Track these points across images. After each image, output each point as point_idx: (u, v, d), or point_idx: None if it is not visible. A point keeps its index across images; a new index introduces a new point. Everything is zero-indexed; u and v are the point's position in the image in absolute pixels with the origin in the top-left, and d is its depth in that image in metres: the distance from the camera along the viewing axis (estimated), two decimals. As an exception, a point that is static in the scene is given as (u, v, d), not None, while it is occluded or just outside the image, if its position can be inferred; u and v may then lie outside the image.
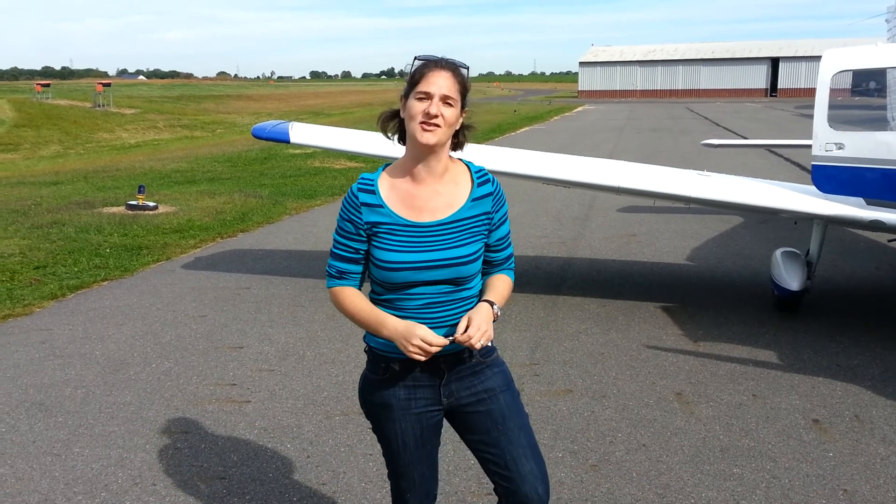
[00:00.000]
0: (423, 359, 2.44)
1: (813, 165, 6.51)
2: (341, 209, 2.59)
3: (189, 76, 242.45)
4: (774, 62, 74.18)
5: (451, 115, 2.48)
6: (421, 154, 2.52)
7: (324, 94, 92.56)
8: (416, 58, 2.55)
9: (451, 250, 2.52)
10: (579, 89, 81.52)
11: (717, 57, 76.55)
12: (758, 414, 4.97)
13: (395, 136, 2.62)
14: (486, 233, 2.62)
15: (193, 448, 4.61)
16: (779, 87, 73.68)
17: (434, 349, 2.43)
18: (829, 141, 6.32)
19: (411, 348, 2.42)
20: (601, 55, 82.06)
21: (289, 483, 4.21)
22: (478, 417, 2.64)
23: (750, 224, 11.13)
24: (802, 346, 6.20)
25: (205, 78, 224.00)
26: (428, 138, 2.45)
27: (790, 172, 16.78)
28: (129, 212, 12.52)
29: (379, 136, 7.50)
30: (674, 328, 6.62)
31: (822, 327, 6.62)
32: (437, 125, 2.44)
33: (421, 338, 2.42)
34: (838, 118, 6.45)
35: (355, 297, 2.57)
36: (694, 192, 6.56)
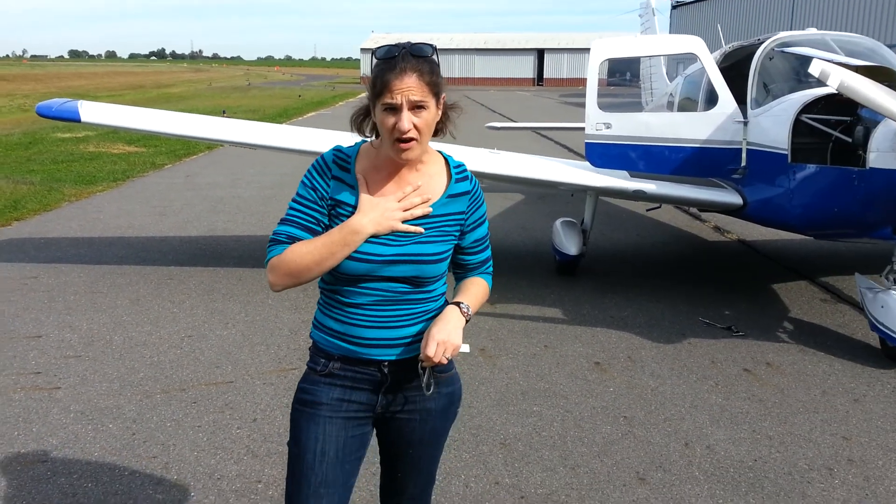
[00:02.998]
0: (420, 229, 2.26)
1: (586, 143, 7.38)
2: (306, 176, 2.31)
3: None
4: (541, 53, 79.20)
5: (424, 122, 2.18)
6: (399, 161, 2.27)
7: (87, 74, 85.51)
8: (372, 54, 2.23)
9: (416, 246, 2.27)
10: (361, 75, 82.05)
11: (489, 47, 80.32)
12: (550, 361, 5.65)
13: (373, 135, 2.32)
14: (457, 233, 2.37)
15: (5, 437, 4.42)
16: (545, 76, 78.81)
17: (416, 206, 2.25)
18: (598, 121, 7.20)
19: (393, 222, 2.23)
20: (381, 42, 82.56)
21: (117, 458, 4.20)
22: (398, 432, 2.45)
23: (530, 200, 12.15)
24: (582, 302, 7.04)
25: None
26: (406, 156, 2.21)
27: (559, 153, 18.33)
28: None
29: (179, 114, 7.59)
30: (473, 293, 7.21)
31: (597, 286, 7.54)
32: (413, 139, 2.17)
33: (397, 206, 2.24)
34: (606, 101, 7.35)
35: (301, 244, 2.23)
36: (487, 168, 7.17)
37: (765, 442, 4.49)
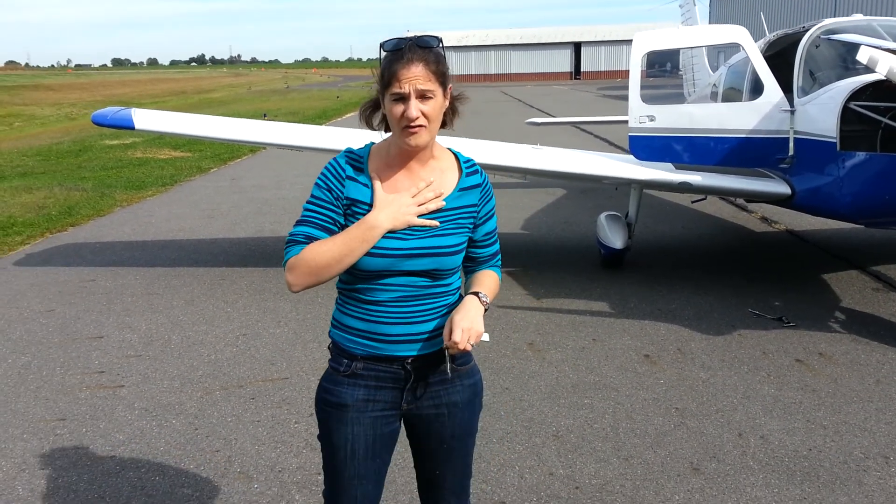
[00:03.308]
0: (436, 223, 2.31)
1: (630, 136, 7.38)
2: (321, 178, 2.36)
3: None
4: (577, 47, 78.64)
5: (432, 109, 2.25)
6: (409, 151, 2.33)
7: (131, 82, 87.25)
8: (381, 46, 2.30)
9: (433, 239, 2.32)
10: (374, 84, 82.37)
11: (525, 42, 80.00)
12: (599, 354, 5.68)
13: (383, 127, 2.39)
14: (470, 226, 2.43)
15: (74, 433, 4.61)
16: (582, 70, 78.27)
17: (431, 200, 2.31)
18: (642, 114, 7.20)
19: (409, 217, 2.28)
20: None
21: (182, 453, 4.35)
22: (429, 432, 2.50)
23: (572, 195, 12.15)
24: (628, 295, 7.04)
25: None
26: (415, 142, 2.26)
27: (599, 146, 18.24)
28: (-62, 211, 11.56)
29: (227, 119, 7.74)
30: (519, 289, 7.27)
31: (643, 279, 7.53)
32: (421, 125, 2.24)
33: (412, 201, 2.29)
34: (649, 94, 7.34)
35: (319, 243, 2.27)
36: (532, 164, 7.22)
37: (819, 431, 4.48)
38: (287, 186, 14.04)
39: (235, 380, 5.36)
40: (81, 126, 30.85)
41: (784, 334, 6.02)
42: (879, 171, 5.76)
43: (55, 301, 7.30)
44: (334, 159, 2.37)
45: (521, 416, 4.69)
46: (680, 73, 13.05)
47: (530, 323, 6.33)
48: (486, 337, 2.29)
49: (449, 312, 2.35)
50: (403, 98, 2.20)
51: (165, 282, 7.90)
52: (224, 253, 9.10)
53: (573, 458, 4.22)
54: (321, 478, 3.99)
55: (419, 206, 2.29)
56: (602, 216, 7.91)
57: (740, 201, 10.81)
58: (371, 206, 2.29)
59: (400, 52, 2.24)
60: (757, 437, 4.42)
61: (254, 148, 20.34)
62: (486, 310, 2.33)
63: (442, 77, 2.26)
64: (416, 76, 2.20)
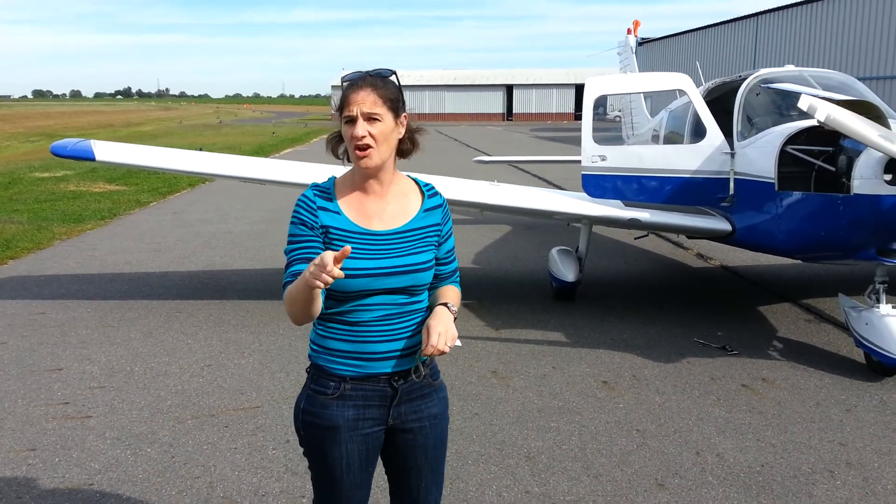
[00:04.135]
0: (320, 283, 2.14)
1: (582, 175, 7.75)
2: (294, 215, 2.50)
3: None
4: (509, 89, 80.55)
5: (380, 131, 2.42)
6: (363, 172, 2.51)
7: (54, 114, 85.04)
8: (342, 81, 2.53)
9: (407, 257, 2.50)
10: (332, 112, 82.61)
11: (459, 83, 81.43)
12: (560, 381, 5.93)
13: (345, 157, 2.56)
14: (436, 243, 2.61)
15: (47, 462, 4.58)
16: (514, 111, 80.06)
17: (323, 275, 2.12)
18: (594, 154, 7.59)
19: (312, 269, 2.15)
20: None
21: (161, 480, 4.38)
22: (413, 443, 2.63)
23: (518, 231, 12.52)
24: (582, 326, 7.35)
25: None
26: (364, 163, 2.43)
27: (538, 185, 18.76)
28: None
29: (186, 151, 7.95)
30: (477, 321, 7.50)
31: (594, 310, 7.86)
32: (368, 145, 2.41)
33: (318, 262, 2.13)
34: (600, 134, 7.74)
35: (290, 289, 2.39)
36: (492, 200, 7.50)
37: (769, 449, 4.80)
38: (232, 221, 14.00)
39: (206, 409, 5.40)
40: (7, 158, 29.99)
41: (729, 361, 6.39)
42: (814, 210, 6.23)
43: (6, 334, 7.16)
44: (303, 194, 2.53)
45: (493, 440, 4.89)
46: (608, 116, 13.66)
47: (492, 352, 6.55)
48: (458, 342, 2.48)
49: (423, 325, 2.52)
50: (353, 120, 2.41)
51: (119, 314, 7.83)
52: (176, 286, 9.06)
53: (546, 477, 4.43)
54: (305, 500, 4.13)
55: (312, 277, 2.16)
56: (554, 251, 8.23)
57: (677, 238, 11.35)
58: (344, 231, 2.45)
59: (352, 81, 2.48)
60: (713, 454, 4.72)
61: (193, 182, 20.22)
62: (454, 318, 2.51)
63: (391, 103, 2.45)
64: (363, 100, 2.41)
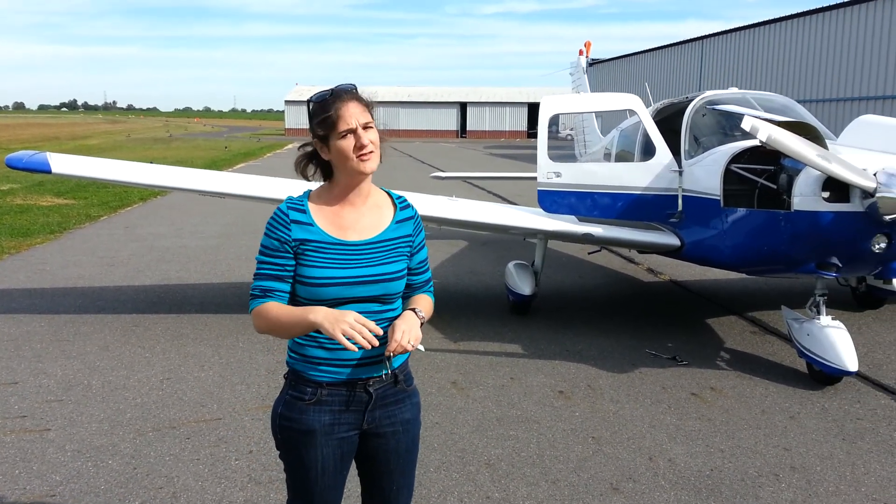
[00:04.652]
0: (346, 342, 2.38)
1: (538, 191, 7.96)
2: (268, 229, 2.60)
3: None
4: (463, 106, 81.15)
5: (376, 137, 2.59)
6: (357, 181, 2.61)
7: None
8: (310, 101, 2.63)
9: (379, 267, 2.61)
10: (286, 127, 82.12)
11: (413, 100, 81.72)
12: (518, 391, 6.08)
13: (317, 177, 2.69)
14: (408, 253, 2.72)
15: (7, 475, 4.56)
16: (467, 129, 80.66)
17: (363, 330, 2.39)
18: (549, 170, 7.81)
19: (341, 326, 2.38)
20: (305, 94, 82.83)
21: (125, 491, 4.39)
22: (387, 448, 2.72)
23: (473, 246, 12.69)
24: (538, 338, 7.53)
25: None
26: (370, 166, 2.56)
27: (492, 201, 19.00)
28: None
29: (146, 164, 7.98)
30: (436, 333, 7.62)
31: (550, 323, 8.05)
32: (372, 151, 2.56)
33: (355, 318, 2.40)
34: (555, 152, 7.97)
35: (280, 305, 2.56)
36: (450, 214, 7.66)
37: (718, 454, 5.02)
38: (187, 235, 13.90)
39: (167, 421, 5.41)
40: (-51, 170, 29.17)
41: (679, 371, 6.63)
42: (757, 226, 6.52)
43: (-43, 348, 7.04)
44: (278, 208, 2.63)
45: (454, 448, 5.01)
46: (560, 135, 13.98)
47: (451, 364, 6.68)
48: (421, 347, 2.58)
49: None
50: (352, 131, 2.53)
51: (74, 328, 7.75)
52: (131, 300, 8.99)
53: (506, 483, 4.56)
54: (270, 509, 4.18)
55: (352, 329, 2.39)
56: (511, 265, 8.42)
57: (628, 253, 11.65)
58: (317, 242, 2.56)
59: (333, 97, 2.58)
60: (665, 460, 4.91)
61: (144, 195, 19.99)
62: (422, 323, 2.62)
63: (372, 113, 2.62)
64: (356, 112, 2.55)
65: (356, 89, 2.64)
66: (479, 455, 4.93)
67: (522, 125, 78.63)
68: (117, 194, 19.90)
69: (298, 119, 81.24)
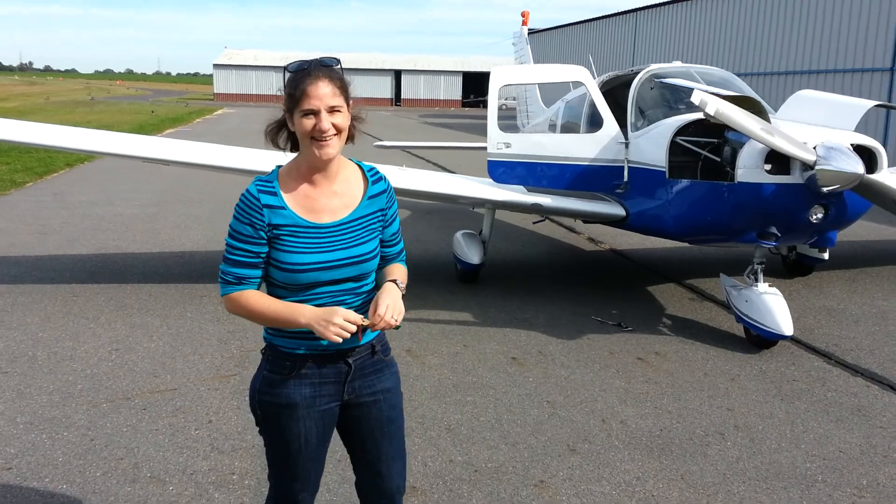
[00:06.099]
0: (339, 340, 2.41)
1: (488, 161, 8.04)
2: (237, 212, 2.52)
3: None
4: (398, 74, 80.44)
5: (341, 122, 2.48)
6: (320, 163, 2.54)
7: None
8: (286, 69, 2.52)
9: (353, 248, 2.58)
10: (215, 92, 79.96)
11: (346, 67, 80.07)
12: (472, 358, 6.20)
13: (288, 146, 2.62)
14: (380, 228, 2.69)
15: (-43, 450, 4.43)
16: (402, 97, 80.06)
17: (353, 328, 2.42)
18: (499, 141, 7.89)
19: (333, 329, 2.39)
20: (235, 58, 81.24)
21: (84, 462, 4.33)
22: (368, 417, 2.73)
23: (418, 215, 12.73)
24: (487, 306, 7.66)
25: None
26: (327, 153, 2.48)
27: (434, 170, 19.03)
28: None
29: (89, 130, 7.78)
30: (386, 301, 7.65)
31: (498, 291, 8.19)
32: (331, 136, 2.47)
33: (343, 317, 2.41)
34: (505, 123, 8.04)
35: (260, 297, 2.54)
36: (400, 184, 7.58)
37: (666, 416, 5.24)
38: (120, 203, 13.52)
39: (120, 392, 5.33)
40: None
41: (624, 337, 6.85)
42: (700, 197, 6.75)
43: None
44: (247, 191, 2.53)
45: (414, 414, 5.09)
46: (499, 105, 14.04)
47: (404, 332, 6.74)
48: (400, 322, 2.53)
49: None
50: (315, 113, 2.43)
51: (11, 299, 7.51)
52: (69, 270, 8.74)
53: (467, 446, 4.68)
54: (235, 477, 4.21)
55: (342, 329, 2.40)
56: (459, 234, 8.50)
57: (570, 223, 11.88)
58: (291, 226, 2.50)
59: (306, 70, 2.46)
60: (617, 421, 5.11)
61: (70, 161, 19.31)
62: (402, 294, 2.61)
63: (346, 93, 2.51)
64: (325, 93, 2.44)
65: (337, 65, 2.54)
66: (438, 420, 5.03)
67: (457, 94, 78.47)
68: (41, 159, 19.18)
69: (227, 84, 79.26)
